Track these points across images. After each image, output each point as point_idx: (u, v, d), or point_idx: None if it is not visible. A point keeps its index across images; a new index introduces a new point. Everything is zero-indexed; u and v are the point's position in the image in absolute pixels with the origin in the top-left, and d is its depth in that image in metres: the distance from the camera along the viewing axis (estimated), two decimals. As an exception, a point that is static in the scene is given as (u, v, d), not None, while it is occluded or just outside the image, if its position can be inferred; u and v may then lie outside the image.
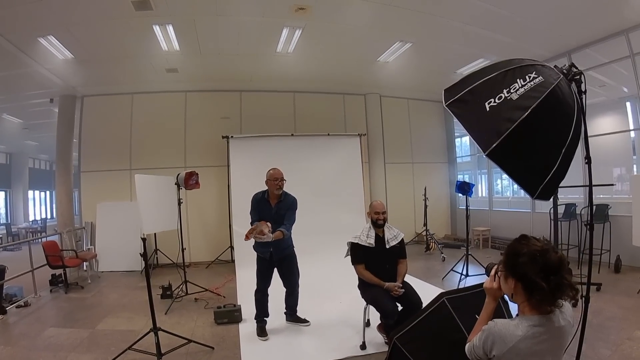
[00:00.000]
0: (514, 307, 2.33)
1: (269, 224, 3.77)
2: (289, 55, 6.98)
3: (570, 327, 1.51)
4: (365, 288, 3.62)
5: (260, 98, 8.99)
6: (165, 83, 8.15)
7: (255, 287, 4.15)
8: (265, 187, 4.07)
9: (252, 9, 5.46)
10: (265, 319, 4.17)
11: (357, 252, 3.65)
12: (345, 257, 3.79)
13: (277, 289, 4.22)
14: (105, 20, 5.41)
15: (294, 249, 4.21)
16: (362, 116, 9.64)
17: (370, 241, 3.60)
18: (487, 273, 1.72)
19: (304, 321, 4.34)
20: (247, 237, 3.73)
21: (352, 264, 3.69)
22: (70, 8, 5.02)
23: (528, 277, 1.41)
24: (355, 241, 3.64)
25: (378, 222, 3.65)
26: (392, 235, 3.69)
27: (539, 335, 1.41)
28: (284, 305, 4.35)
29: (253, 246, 4.06)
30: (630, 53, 6.18)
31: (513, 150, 1.75)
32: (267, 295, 4.15)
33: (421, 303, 3.28)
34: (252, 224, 3.88)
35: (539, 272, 1.39)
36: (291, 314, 4.37)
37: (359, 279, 3.71)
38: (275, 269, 4.15)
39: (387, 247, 3.63)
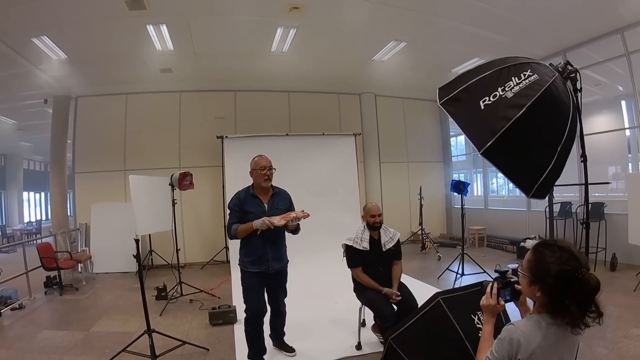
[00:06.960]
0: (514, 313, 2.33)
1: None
2: (283, 54, 6.95)
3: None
4: (360, 291, 3.56)
5: (255, 98, 8.96)
6: (159, 83, 8.09)
7: (244, 315, 3.24)
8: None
9: (246, 9, 5.44)
10: (264, 357, 3.39)
11: (352, 255, 3.56)
12: (343, 259, 3.69)
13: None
14: (99, 20, 5.37)
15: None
16: (357, 116, 9.63)
17: (365, 245, 3.52)
18: (483, 291, 1.65)
19: (291, 350, 3.63)
20: (279, 221, 3.00)
21: (349, 267, 3.62)
22: (64, 8, 4.97)
23: (558, 300, 1.34)
24: (350, 244, 3.56)
25: (374, 225, 3.56)
26: (388, 238, 3.61)
27: (555, 333, 1.37)
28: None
29: (240, 263, 3.28)
30: (625, 52, 6.21)
31: (508, 148, 1.75)
32: (263, 324, 3.30)
33: (416, 304, 3.25)
34: (229, 227, 3.19)
35: (572, 299, 1.30)
36: (277, 338, 3.68)
37: (354, 282, 3.65)
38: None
39: (384, 250, 3.56)
